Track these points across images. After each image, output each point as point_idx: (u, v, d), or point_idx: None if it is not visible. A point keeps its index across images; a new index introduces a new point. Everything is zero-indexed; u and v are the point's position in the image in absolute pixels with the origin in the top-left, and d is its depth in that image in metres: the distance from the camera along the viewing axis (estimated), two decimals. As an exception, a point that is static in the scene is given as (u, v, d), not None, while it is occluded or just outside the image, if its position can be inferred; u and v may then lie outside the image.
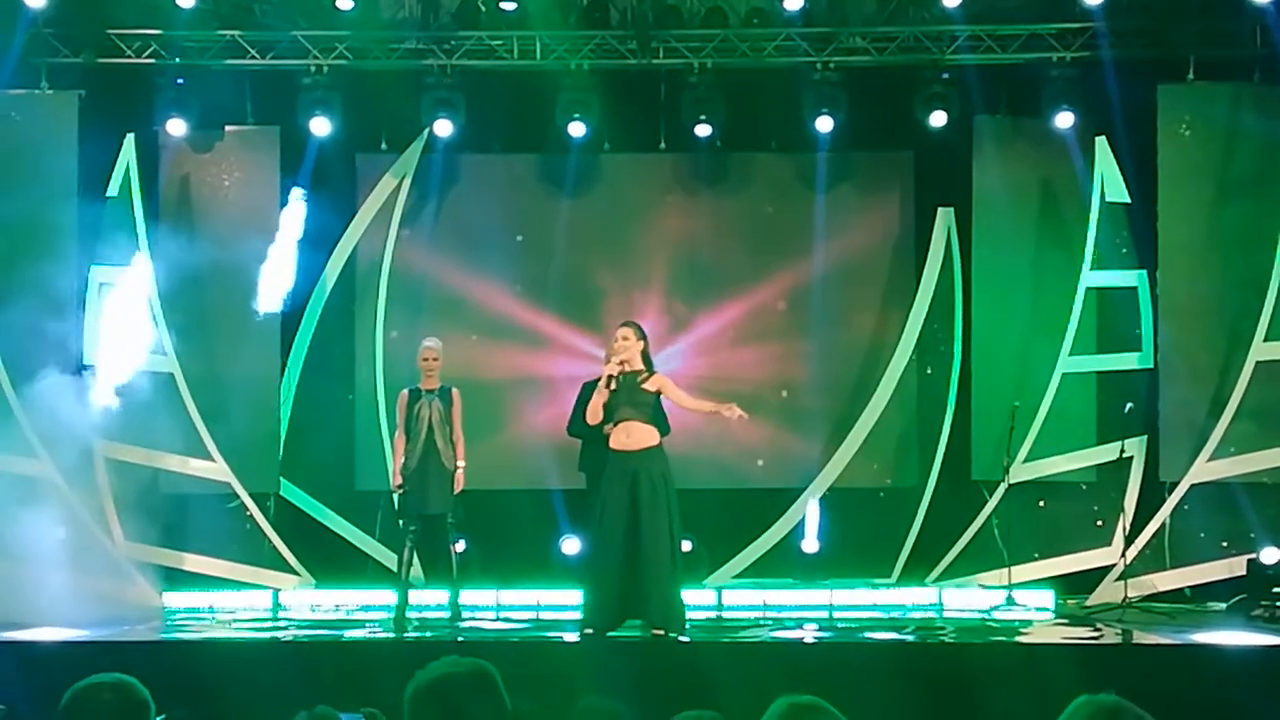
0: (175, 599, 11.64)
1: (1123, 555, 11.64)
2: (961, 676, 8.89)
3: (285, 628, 11.01)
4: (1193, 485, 11.87)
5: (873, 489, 13.06)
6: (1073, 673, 8.94)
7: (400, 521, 11.04)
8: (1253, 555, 11.45)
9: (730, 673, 8.78)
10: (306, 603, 11.78)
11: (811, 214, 13.14)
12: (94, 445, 11.86)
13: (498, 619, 11.26)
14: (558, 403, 12.45)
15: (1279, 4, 11.47)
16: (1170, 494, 11.95)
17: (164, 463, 12.26)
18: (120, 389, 11.76)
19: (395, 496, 11.10)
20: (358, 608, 11.62)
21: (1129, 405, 12.06)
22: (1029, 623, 11.14)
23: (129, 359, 11.93)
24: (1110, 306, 12.43)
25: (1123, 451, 11.91)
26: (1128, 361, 12.34)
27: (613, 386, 9.83)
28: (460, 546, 11.07)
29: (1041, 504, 12.43)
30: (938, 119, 12.39)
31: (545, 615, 11.27)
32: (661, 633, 9.68)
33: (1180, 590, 11.86)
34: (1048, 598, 11.60)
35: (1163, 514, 11.93)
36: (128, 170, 12.33)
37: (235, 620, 11.30)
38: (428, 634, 10.61)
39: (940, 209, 12.97)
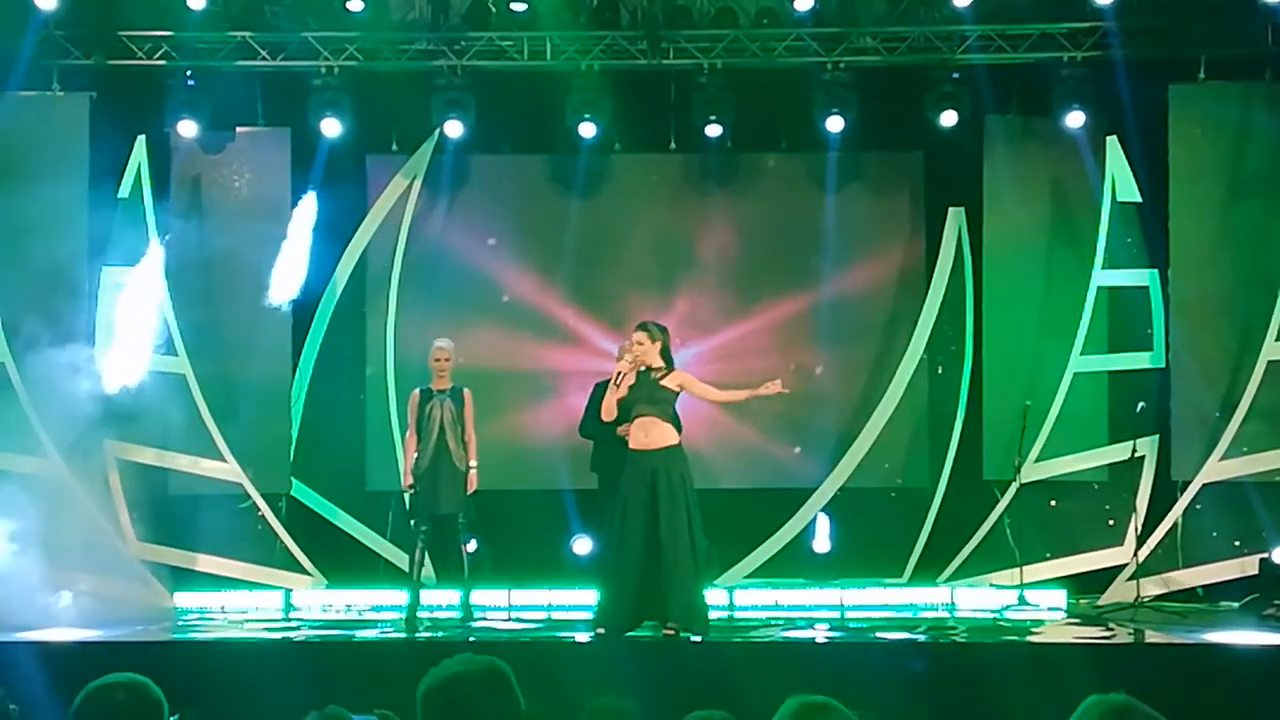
0: (187, 599, 11.65)
1: (1135, 555, 11.62)
2: (973, 676, 8.88)
3: (297, 628, 11.02)
4: (1205, 484, 11.85)
5: (884, 489, 13.05)
6: (1084, 672, 8.93)
7: (412, 522, 11.02)
8: (1265, 554, 11.44)
9: (742, 672, 8.79)
10: (318, 603, 11.79)
11: (822, 214, 13.15)
12: (105, 446, 11.91)
13: (509, 619, 11.25)
14: (569, 403, 12.46)
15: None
16: (1182, 493, 11.93)
17: (175, 463, 12.31)
18: (131, 389, 11.79)
19: (406, 497, 11.10)
20: (369, 608, 11.63)
21: (1141, 404, 12.03)
22: (1041, 622, 11.12)
23: (140, 359, 11.96)
24: (1122, 306, 12.42)
25: (1134, 451, 11.87)
26: (1139, 361, 12.33)
27: (620, 383, 9.79)
28: (472, 547, 11.06)
29: (1053, 503, 12.42)
30: (948, 119, 12.38)
31: (557, 615, 11.28)
32: (673, 632, 9.66)
33: (1192, 590, 11.84)
34: (1060, 597, 11.59)
35: (1175, 513, 11.91)
36: (139, 171, 12.36)
37: (247, 620, 11.30)
38: (439, 634, 10.60)
39: (951, 209, 12.97)
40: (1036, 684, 8.25)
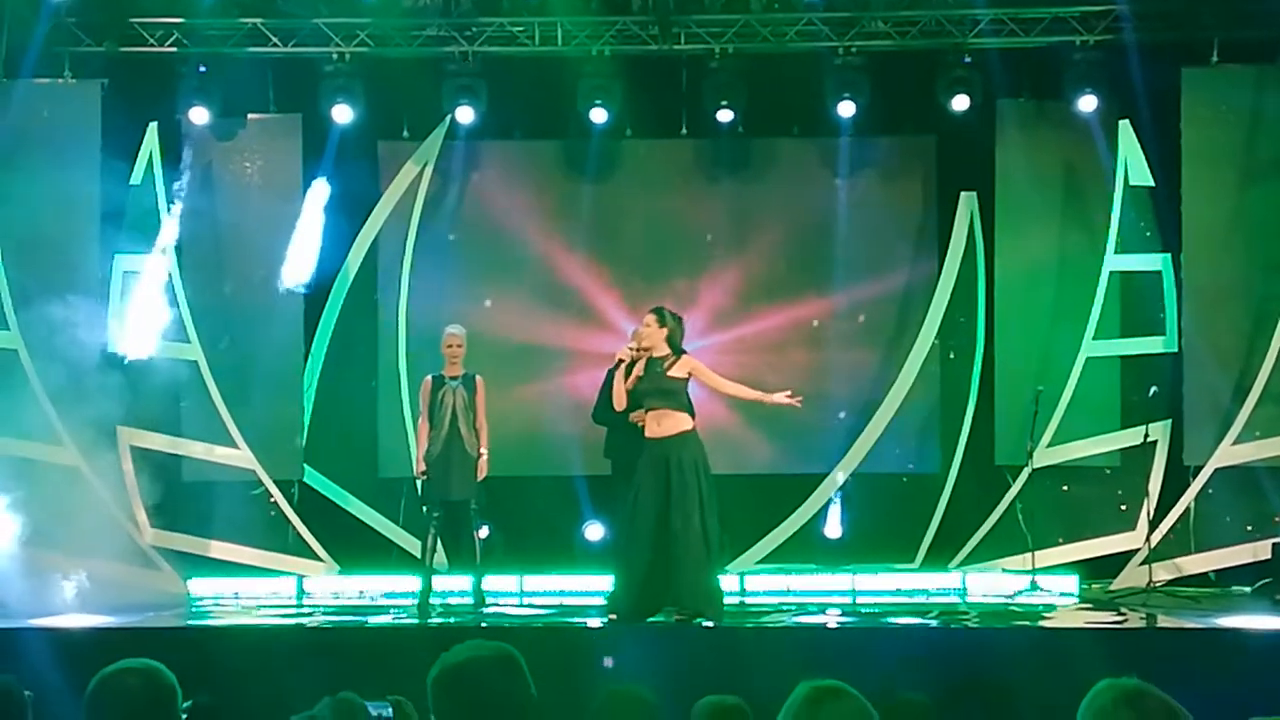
0: (200, 586, 11.67)
1: (1147, 539, 11.62)
2: (985, 661, 8.88)
3: (309, 614, 11.05)
4: (1217, 469, 11.83)
5: (896, 474, 13.03)
6: (1096, 657, 8.92)
7: (424, 508, 11.04)
8: (1277, 539, 11.40)
9: (753, 658, 8.80)
10: (330, 589, 11.81)
11: (834, 199, 13.13)
12: (118, 433, 11.94)
13: (521, 605, 11.28)
14: (580, 389, 12.45)
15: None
16: (1195, 478, 11.91)
17: (188, 450, 12.35)
18: (144, 376, 11.81)
19: (418, 483, 11.11)
20: (381, 594, 11.64)
21: (1153, 389, 12.02)
22: (1053, 607, 11.11)
23: (152, 346, 11.98)
24: (1134, 290, 12.39)
25: (1147, 435, 11.85)
26: (1152, 345, 12.30)
27: (622, 371, 9.79)
28: (484, 533, 11.07)
29: (1065, 488, 12.40)
30: (960, 103, 12.35)
31: (569, 601, 11.29)
32: (685, 618, 9.67)
33: (1205, 574, 11.83)
34: (1072, 582, 11.56)
35: (1187, 498, 11.89)
36: (151, 158, 12.38)
37: (260, 607, 11.34)
38: (451, 620, 10.61)
39: (963, 193, 12.94)
40: (1048, 669, 8.21)
